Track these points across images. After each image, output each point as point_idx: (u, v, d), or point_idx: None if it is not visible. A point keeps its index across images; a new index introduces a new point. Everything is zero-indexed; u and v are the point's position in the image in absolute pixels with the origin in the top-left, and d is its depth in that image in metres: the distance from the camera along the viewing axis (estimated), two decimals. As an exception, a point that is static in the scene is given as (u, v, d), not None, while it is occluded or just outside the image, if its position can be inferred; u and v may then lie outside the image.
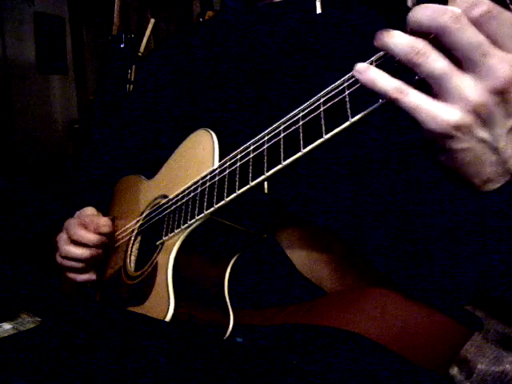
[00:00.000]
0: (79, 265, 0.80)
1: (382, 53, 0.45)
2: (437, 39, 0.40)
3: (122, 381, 0.50)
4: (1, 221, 2.64)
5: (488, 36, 0.38)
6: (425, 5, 0.41)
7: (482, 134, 0.41)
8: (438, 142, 0.42)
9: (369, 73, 0.43)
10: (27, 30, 3.80)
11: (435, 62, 0.39)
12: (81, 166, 1.03)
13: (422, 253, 0.62)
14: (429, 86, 0.41)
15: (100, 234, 0.79)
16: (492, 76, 0.38)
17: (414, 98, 0.41)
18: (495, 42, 0.38)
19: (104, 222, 0.79)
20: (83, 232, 0.78)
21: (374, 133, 0.67)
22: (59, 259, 0.82)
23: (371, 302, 0.63)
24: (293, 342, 0.64)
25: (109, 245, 0.83)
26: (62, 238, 0.81)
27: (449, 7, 0.39)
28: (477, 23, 0.38)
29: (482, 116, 0.40)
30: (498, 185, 0.44)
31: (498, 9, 0.38)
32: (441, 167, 0.45)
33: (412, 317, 0.62)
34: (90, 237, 0.78)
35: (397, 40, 0.41)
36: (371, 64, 0.44)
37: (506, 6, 0.39)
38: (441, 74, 0.39)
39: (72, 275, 0.82)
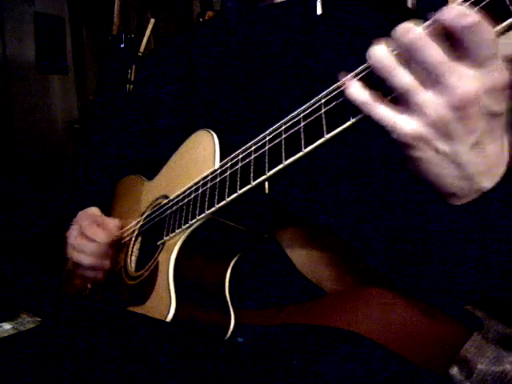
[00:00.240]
0: (88, 259, 0.79)
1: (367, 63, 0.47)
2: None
3: (123, 381, 0.50)
4: (1, 221, 2.64)
5: (451, 50, 0.40)
6: (403, 24, 0.42)
7: (442, 146, 0.43)
8: (403, 150, 0.45)
9: (350, 84, 0.46)
10: (27, 30, 3.80)
11: (400, 78, 0.42)
12: (81, 166, 1.03)
13: (422, 253, 0.62)
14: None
15: (111, 233, 0.79)
16: (451, 93, 0.40)
17: (380, 110, 0.44)
18: (459, 55, 0.40)
19: (112, 225, 0.79)
20: (97, 230, 0.78)
21: (375, 133, 0.67)
22: (69, 252, 0.81)
23: (371, 302, 0.63)
24: (293, 342, 0.64)
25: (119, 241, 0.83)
26: (74, 231, 0.80)
27: (411, 27, 0.41)
28: (440, 37, 0.40)
29: (441, 130, 0.42)
30: (466, 200, 0.46)
31: (466, 20, 0.38)
32: (411, 174, 0.47)
33: (412, 317, 0.62)
34: (102, 235, 0.78)
35: (373, 52, 0.43)
36: (357, 75, 0.47)
37: (505, 7, 0.39)
38: (405, 89, 0.42)
39: (80, 271, 0.81)
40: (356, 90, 0.45)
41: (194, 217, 0.64)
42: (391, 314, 0.62)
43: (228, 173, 0.61)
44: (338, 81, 0.51)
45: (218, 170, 0.64)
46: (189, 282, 0.66)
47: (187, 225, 0.65)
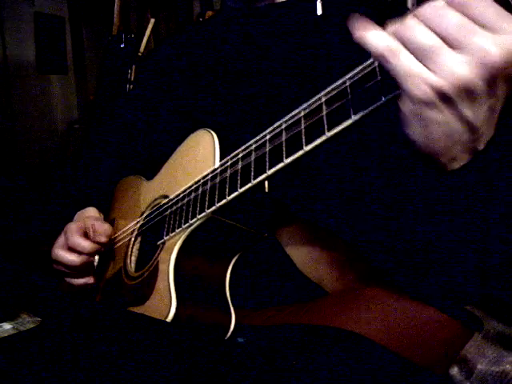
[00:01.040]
0: (68, 271, 0.80)
1: (372, 61, 0.46)
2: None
3: (123, 381, 0.50)
4: (1, 221, 2.64)
5: (473, 19, 0.39)
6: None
7: (463, 107, 0.41)
8: (416, 112, 0.42)
9: (367, 30, 0.43)
10: (27, 30, 3.81)
11: (422, 34, 0.40)
12: (80, 166, 1.03)
13: (422, 253, 0.62)
14: None
15: (97, 242, 0.78)
16: (479, 55, 0.38)
17: (404, 61, 0.41)
18: (483, 24, 0.39)
19: (103, 231, 0.78)
20: (80, 239, 0.77)
21: (375, 133, 0.67)
22: (53, 261, 0.81)
23: (371, 302, 0.63)
24: (293, 342, 0.64)
25: (108, 247, 0.83)
26: (59, 241, 0.80)
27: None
28: (460, 7, 0.39)
29: (466, 91, 0.40)
30: (461, 163, 0.45)
31: None
32: (409, 144, 0.45)
33: (412, 317, 0.62)
34: (85, 244, 0.77)
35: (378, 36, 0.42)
36: (370, 74, 0.45)
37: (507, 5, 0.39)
38: (432, 46, 0.40)
39: (68, 279, 0.82)
40: (376, 36, 0.42)
41: (194, 216, 0.64)
42: (391, 314, 0.62)
43: (228, 172, 0.61)
44: (339, 80, 0.51)
45: (218, 168, 0.64)
46: (189, 281, 0.66)
47: (187, 224, 0.65)
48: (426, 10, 0.40)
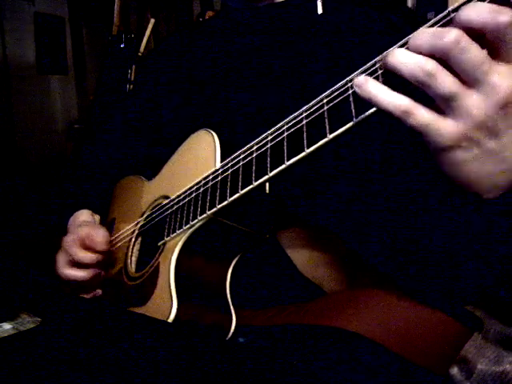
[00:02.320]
0: (83, 286, 0.79)
1: (376, 61, 0.46)
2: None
3: (123, 381, 0.50)
4: (1, 221, 2.64)
5: (489, 50, 0.39)
6: (422, 29, 0.41)
7: (489, 144, 0.42)
8: (442, 154, 0.43)
9: (368, 86, 0.43)
10: (27, 30, 3.81)
11: (444, 83, 0.40)
12: (80, 166, 1.02)
13: (422, 253, 0.62)
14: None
15: (99, 252, 0.77)
16: (495, 92, 0.39)
17: (421, 118, 0.41)
18: (497, 55, 0.39)
19: (101, 239, 0.77)
20: (82, 253, 0.76)
21: (376, 134, 0.67)
22: (62, 281, 0.79)
23: (371, 302, 0.63)
24: (293, 342, 0.64)
25: (107, 253, 0.82)
26: (61, 260, 0.78)
27: (446, 29, 0.39)
28: (476, 38, 0.38)
29: (488, 129, 0.41)
30: (500, 192, 0.46)
31: (496, 20, 0.37)
32: (445, 178, 0.46)
33: (412, 317, 0.62)
34: (90, 257, 0.76)
35: (405, 60, 0.41)
36: (372, 74, 0.45)
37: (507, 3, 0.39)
38: (449, 94, 0.40)
39: (82, 294, 0.80)
40: (381, 91, 0.42)
41: (195, 217, 0.64)
42: (391, 314, 0.62)
43: (229, 173, 0.61)
44: (339, 80, 0.51)
45: (219, 170, 0.64)
46: (190, 282, 0.66)
47: (188, 225, 0.65)
48: (441, 43, 0.39)
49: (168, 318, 0.61)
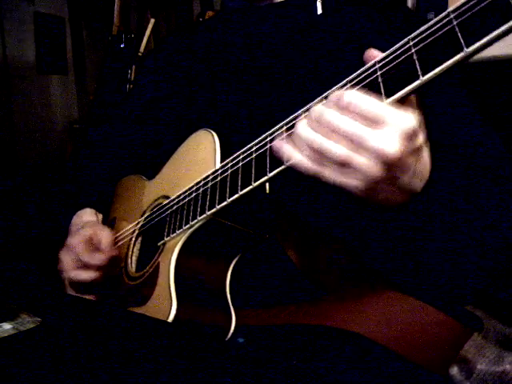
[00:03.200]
0: (88, 287, 0.78)
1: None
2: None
3: (123, 381, 0.50)
4: (1, 221, 2.64)
5: (363, 118, 0.46)
6: (301, 122, 0.50)
7: (387, 186, 0.49)
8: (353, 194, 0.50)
9: (284, 150, 0.51)
10: (27, 30, 3.80)
11: (333, 150, 0.47)
12: (80, 165, 1.02)
13: (422, 253, 0.62)
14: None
15: (108, 253, 0.76)
16: (380, 154, 0.45)
17: (328, 173, 0.49)
18: (369, 124, 0.45)
19: (108, 241, 0.76)
20: (91, 255, 0.75)
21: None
22: (68, 283, 0.78)
23: (371, 302, 0.63)
24: (293, 342, 0.64)
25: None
26: (67, 263, 0.77)
27: (323, 108, 0.48)
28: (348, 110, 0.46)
29: (384, 178, 0.47)
30: (398, 202, 0.52)
31: (358, 97, 0.45)
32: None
33: (412, 317, 0.62)
34: (100, 258, 0.75)
35: (303, 134, 0.49)
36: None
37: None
38: (341, 159, 0.47)
39: (86, 295, 0.79)
40: (303, 162, 0.49)
41: (194, 217, 0.64)
42: (391, 314, 0.62)
43: (229, 173, 0.61)
44: (338, 80, 0.51)
45: (218, 170, 0.64)
46: (190, 282, 0.66)
47: (188, 225, 0.65)
48: (324, 117, 0.47)
49: (168, 317, 0.61)
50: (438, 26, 0.44)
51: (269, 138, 0.57)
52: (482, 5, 0.40)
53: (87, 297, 0.79)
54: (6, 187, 3.10)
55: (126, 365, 0.52)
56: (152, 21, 2.51)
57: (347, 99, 0.46)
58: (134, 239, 0.81)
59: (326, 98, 0.51)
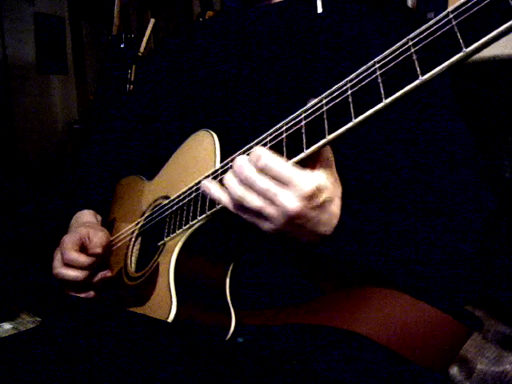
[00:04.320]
0: (74, 285, 0.79)
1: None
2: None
3: (123, 381, 0.50)
4: (1, 221, 2.64)
5: (275, 178, 0.53)
6: (227, 173, 0.57)
7: (297, 231, 0.57)
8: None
9: (213, 191, 0.59)
10: (27, 30, 3.80)
11: (252, 202, 0.55)
12: (80, 165, 1.02)
13: (422, 253, 0.62)
14: None
15: (92, 254, 0.77)
16: (285, 209, 0.53)
17: (246, 216, 0.57)
18: (279, 184, 0.53)
19: (98, 242, 0.78)
20: (75, 255, 0.76)
21: (372, 136, 0.67)
22: (57, 279, 0.80)
23: (371, 302, 0.63)
24: (293, 342, 0.64)
25: (105, 256, 0.82)
26: (57, 259, 0.78)
27: (246, 163, 0.55)
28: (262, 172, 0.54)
29: (293, 225, 0.55)
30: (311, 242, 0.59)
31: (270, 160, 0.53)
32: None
33: (412, 316, 0.62)
34: (82, 260, 0.76)
35: (229, 186, 0.57)
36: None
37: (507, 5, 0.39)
38: (256, 209, 0.55)
39: (76, 293, 0.80)
40: (226, 200, 0.58)
41: (194, 217, 0.64)
42: (391, 314, 0.62)
43: (220, 178, 0.61)
44: (338, 79, 0.51)
45: (218, 170, 0.64)
46: (189, 282, 0.66)
47: (188, 225, 0.65)
48: (243, 172, 0.55)
49: (167, 317, 0.61)
50: (438, 25, 0.44)
51: (268, 138, 0.58)
52: (481, 5, 0.40)
53: (78, 295, 0.80)
54: (6, 187, 3.10)
55: (125, 365, 0.52)
56: (152, 21, 2.51)
57: (263, 161, 0.53)
58: (133, 239, 0.81)
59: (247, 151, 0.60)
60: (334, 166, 0.56)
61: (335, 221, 0.58)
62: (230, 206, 0.58)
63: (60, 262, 0.78)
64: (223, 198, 0.58)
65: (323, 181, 0.54)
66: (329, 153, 0.55)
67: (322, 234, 0.58)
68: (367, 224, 0.61)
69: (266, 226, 0.56)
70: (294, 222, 0.55)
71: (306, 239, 0.59)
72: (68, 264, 0.77)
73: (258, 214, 0.55)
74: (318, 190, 0.54)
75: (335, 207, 0.57)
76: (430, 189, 0.65)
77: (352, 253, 0.61)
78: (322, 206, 0.55)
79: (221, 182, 0.59)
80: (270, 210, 0.54)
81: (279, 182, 0.54)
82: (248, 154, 0.57)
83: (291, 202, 0.53)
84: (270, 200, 0.54)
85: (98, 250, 0.77)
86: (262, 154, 0.54)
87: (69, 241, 0.77)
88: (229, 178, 0.57)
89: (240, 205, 0.56)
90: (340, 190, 0.58)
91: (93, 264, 0.77)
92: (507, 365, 0.72)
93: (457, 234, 0.63)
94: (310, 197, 0.53)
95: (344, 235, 0.59)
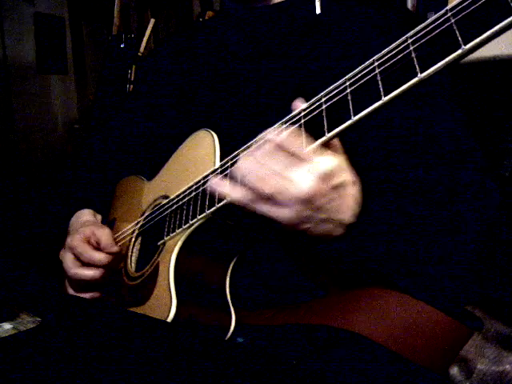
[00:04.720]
0: (88, 286, 0.78)
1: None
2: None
3: (123, 381, 0.50)
4: (1, 221, 2.64)
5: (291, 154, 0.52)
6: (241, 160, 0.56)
7: (312, 223, 0.55)
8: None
9: (221, 188, 0.57)
10: (27, 30, 3.80)
11: (268, 183, 0.52)
12: (80, 166, 1.02)
13: (422, 253, 0.62)
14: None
15: (110, 253, 0.76)
16: (296, 194, 0.52)
17: (260, 207, 0.54)
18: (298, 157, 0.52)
19: (110, 240, 0.76)
20: (94, 253, 0.75)
21: (373, 134, 0.67)
22: (70, 282, 0.79)
23: (371, 302, 0.63)
24: (293, 342, 0.64)
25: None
26: (69, 260, 0.77)
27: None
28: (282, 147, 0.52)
29: (309, 213, 0.53)
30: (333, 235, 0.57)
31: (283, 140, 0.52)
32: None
33: (412, 317, 0.62)
34: (101, 257, 0.75)
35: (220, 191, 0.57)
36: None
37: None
38: (269, 194, 0.53)
39: (82, 294, 0.80)
40: (237, 193, 0.55)
41: (194, 216, 0.64)
42: (391, 314, 0.62)
43: (228, 172, 0.61)
44: (337, 80, 0.52)
45: (218, 169, 0.64)
46: (189, 282, 0.66)
47: (188, 224, 0.65)
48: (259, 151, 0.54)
49: (167, 317, 0.61)
50: (436, 23, 0.44)
51: (268, 138, 0.58)
52: (480, 3, 0.40)
53: (90, 295, 0.79)
54: (6, 187, 3.10)
55: (125, 365, 0.52)
56: (152, 21, 2.51)
57: (282, 138, 0.52)
58: (133, 239, 0.81)
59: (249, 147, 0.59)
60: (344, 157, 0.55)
61: (355, 207, 0.56)
62: (241, 198, 0.55)
63: (73, 262, 0.76)
64: (234, 191, 0.55)
65: (340, 163, 0.53)
66: (338, 146, 0.54)
67: (339, 222, 0.56)
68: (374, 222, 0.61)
69: (281, 214, 0.53)
70: (311, 205, 0.52)
71: (321, 230, 0.56)
72: (88, 263, 0.75)
73: (273, 200, 0.52)
74: (336, 170, 0.52)
75: (354, 191, 0.56)
76: (430, 187, 0.65)
77: (363, 249, 0.59)
78: (339, 187, 0.54)
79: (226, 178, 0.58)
80: (286, 190, 0.52)
81: (296, 159, 0.52)
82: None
83: (308, 178, 0.51)
84: (287, 179, 0.52)
85: (116, 248, 0.76)
86: (280, 133, 0.53)
87: (78, 239, 0.76)
88: (243, 160, 0.55)
89: (253, 193, 0.53)
90: (355, 179, 0.56)
91: (111, 262, 0.76)
92: (507, 365, 0.72)
93: (457, 234, 0.62)
94: (328, 175, 0.52)
95: (365, 226, 0.58)
